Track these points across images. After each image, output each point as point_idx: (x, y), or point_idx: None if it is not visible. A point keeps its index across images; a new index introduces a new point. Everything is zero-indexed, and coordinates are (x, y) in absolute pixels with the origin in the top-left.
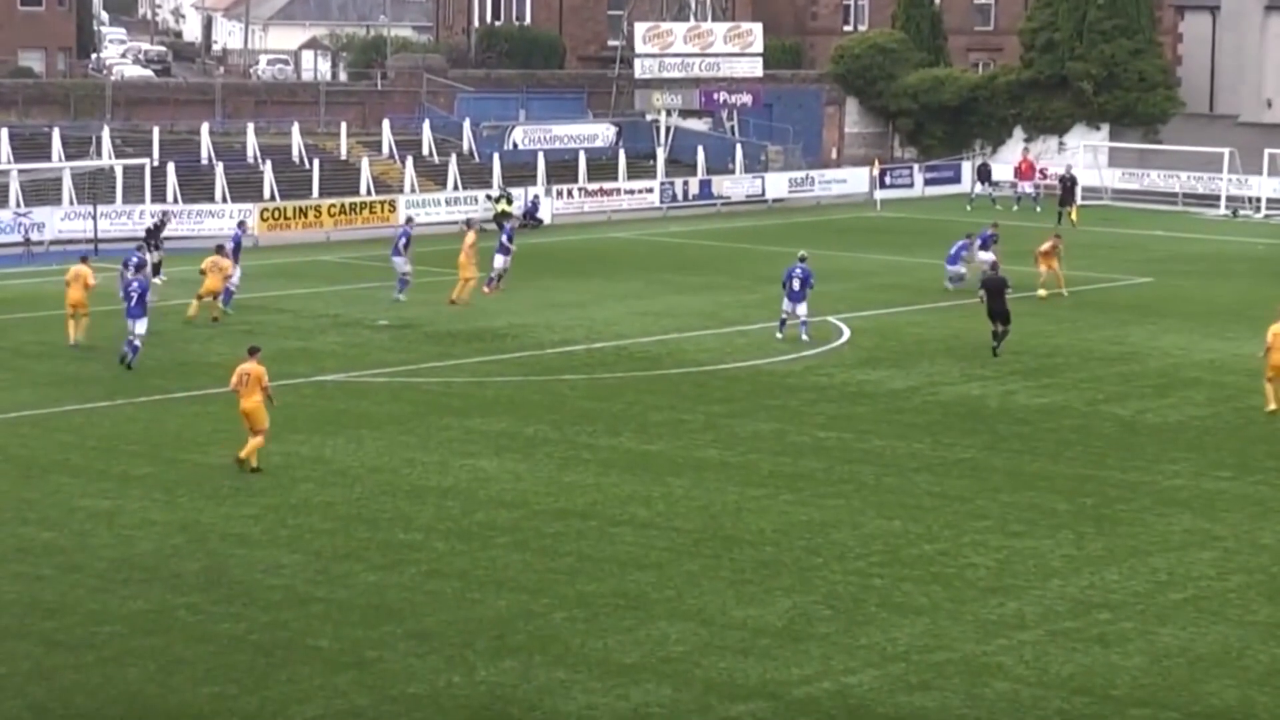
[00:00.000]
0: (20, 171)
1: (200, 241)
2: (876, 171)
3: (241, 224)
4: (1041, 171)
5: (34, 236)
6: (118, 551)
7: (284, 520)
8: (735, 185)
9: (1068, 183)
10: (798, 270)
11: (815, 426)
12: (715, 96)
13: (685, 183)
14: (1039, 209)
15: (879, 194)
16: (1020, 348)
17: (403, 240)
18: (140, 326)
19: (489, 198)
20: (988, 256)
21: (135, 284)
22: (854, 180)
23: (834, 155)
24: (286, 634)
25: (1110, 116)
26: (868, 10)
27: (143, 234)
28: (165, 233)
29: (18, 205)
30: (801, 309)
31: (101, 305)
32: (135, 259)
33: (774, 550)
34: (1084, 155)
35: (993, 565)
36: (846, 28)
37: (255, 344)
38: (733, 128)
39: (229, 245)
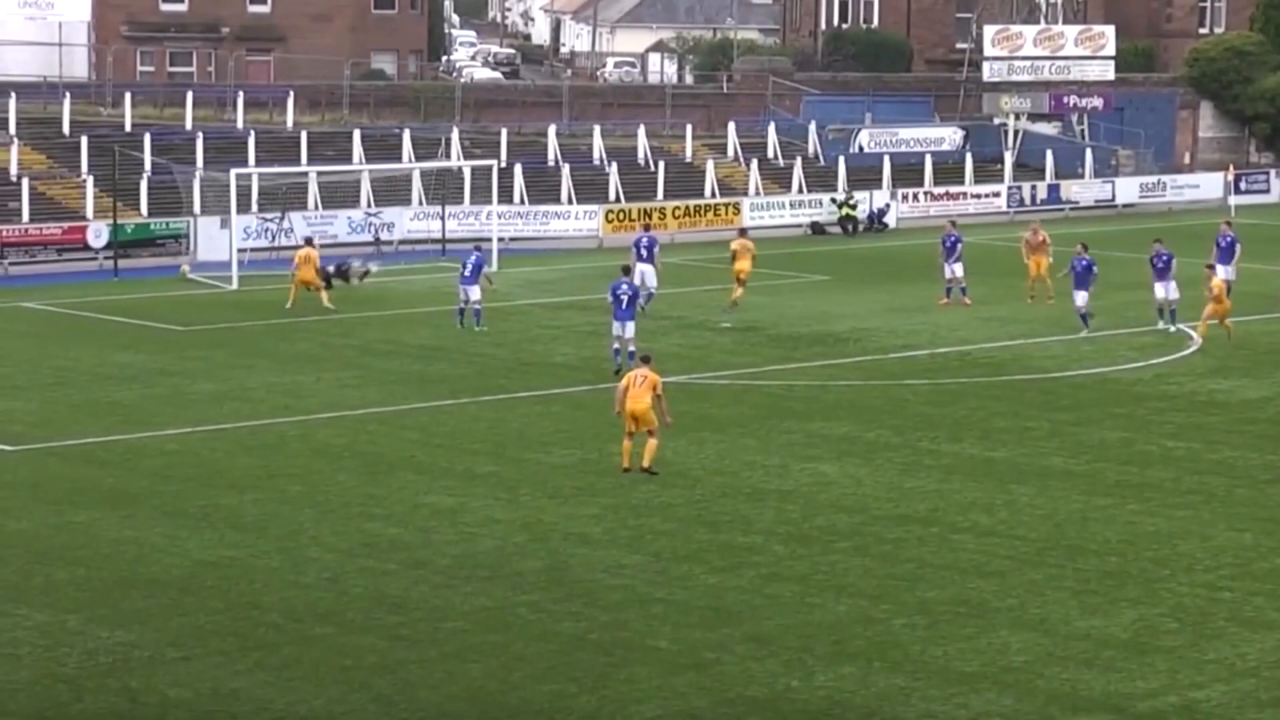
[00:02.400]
0: (371, 172)
1: (546, 243)
2: (1231, 177)
3: (478, 247)
4: None
5: (384, 236)
6: (461, 548)
7: (624, 521)
8: (1084, 190)
9: None
10: (1082, 261)
11: (1164, 436)
12: (1065, 100)
13: (1033, 187)
14: None
15: (1233, 199)
16: None
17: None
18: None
19: (834, 201)
20: None
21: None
22: (1207, 186)
23: (1187, 160)
24: (626, 634)
25: None
26: (1224, 12)
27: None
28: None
29: (369, 205)
30: (1080, 299)
31: (441, 305)
32: (475, 259)
33: (1119, 561)
34: None
35: None
36: (1202, 30)
37: (646, 353)
38: (1082, 131)
39: (469, 267)
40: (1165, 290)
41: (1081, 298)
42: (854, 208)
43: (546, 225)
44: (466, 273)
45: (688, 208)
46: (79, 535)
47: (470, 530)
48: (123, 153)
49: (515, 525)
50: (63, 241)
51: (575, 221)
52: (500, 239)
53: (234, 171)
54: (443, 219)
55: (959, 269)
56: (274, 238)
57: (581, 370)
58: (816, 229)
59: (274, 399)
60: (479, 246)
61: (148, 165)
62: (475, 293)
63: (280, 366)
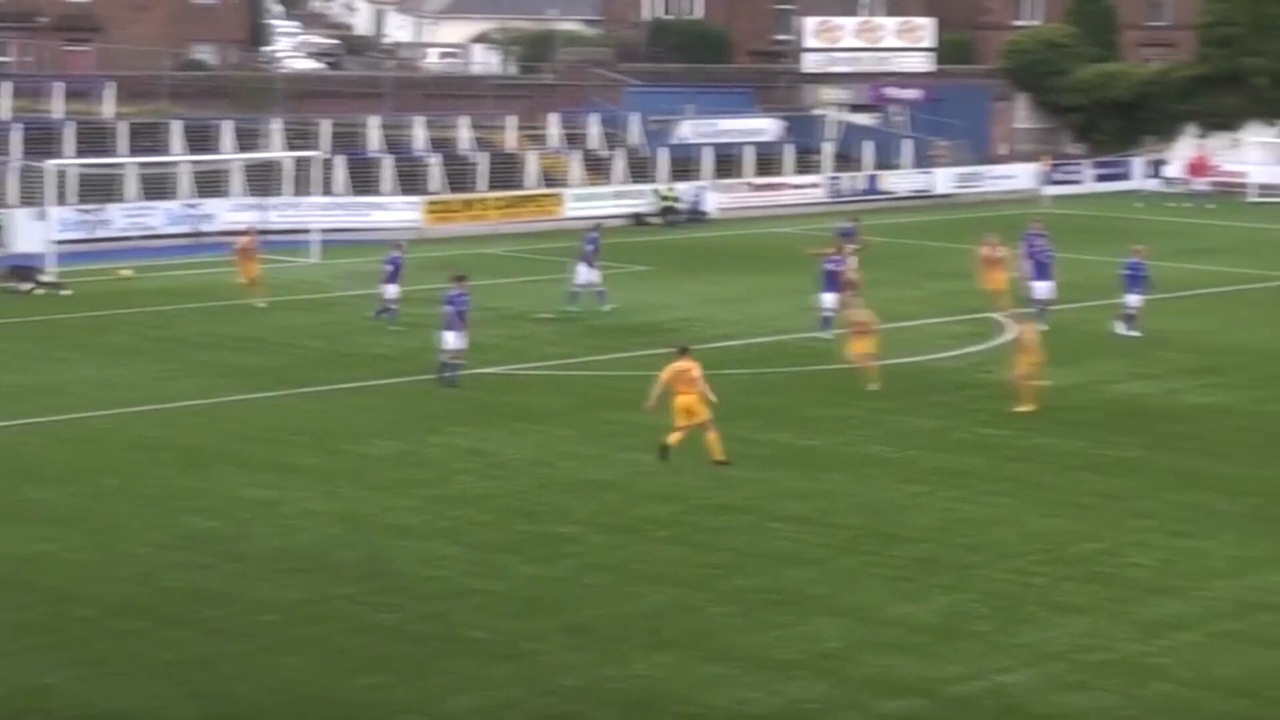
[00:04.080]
0: (191, 163)
1: (368, 235)
2: (1047, 167)
3: (398, 244)
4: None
5: (203, 228)
6: (279, 541)
7: (443, 512)
8: (902, 180)
9: None
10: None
11: (978, 423)
12: (884, 91)
13: (852, 178)
14: (1212, 206)
15: (1047, 189)
16: (1186, 346)
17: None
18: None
19: (655, 192)
20: None
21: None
22: (1022, 176)
23: (1003, 151)
24: (444, 625)
25: None
26: (1040, 5)
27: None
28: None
29: (188, 196)
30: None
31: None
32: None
33: (933, 547)
34: (1261, 152)
35: (1155, 565)
36: (1018, 22)
37: (683, 343)
38: (901, 123)
39: (387, 268)
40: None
41: (1044, 288)
42: (675, 199)
43: (368, 216)
44: (587, 249)
45: (510, 199)
46: None
47: (288, 522)
48: None
49: (333, 517)
50: None
51: (397, 213)
52: (321, 230)
53: (50, 163)
54: (264, 210)
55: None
56: (91, 229)
57: (401, 362)
58: (638, 219)
59: (90, 392)
60: (599, 225)
61: None
62: (591, 274)
63: (97, 359)
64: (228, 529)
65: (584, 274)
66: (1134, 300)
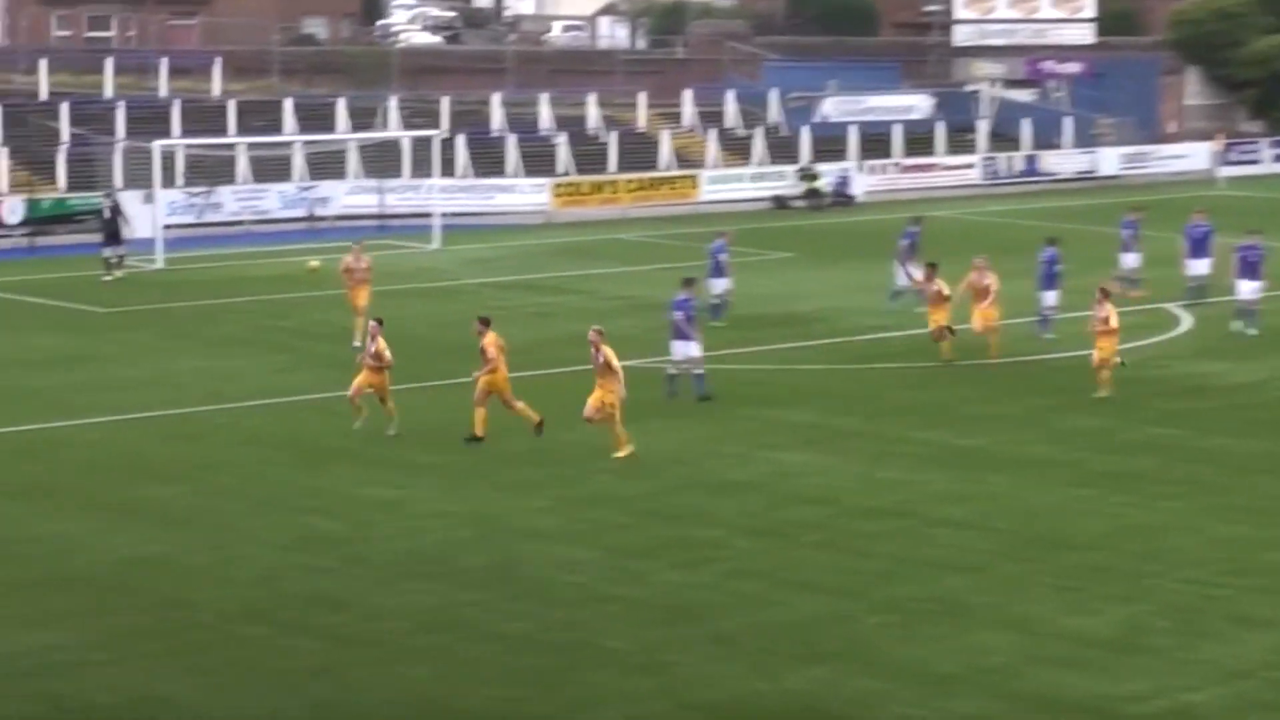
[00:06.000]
0: (304, 143)
1: (492, 219)
2: (1221, 146)
3: (722, 233)
4: None
5: (318, 211)
6: (403, 544)
7: (578, 514)
8: (1063, 161)
9: None
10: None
11: (1149, 422)
12: (1042, 65)
13: (1009, 158)
14: None
15: (1223, 171)
16: None
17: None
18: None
19: (797, 173)
20: None
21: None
22: (1195, 156)
23: (1172, 129)
24: (580, 634)
25: None
26: None
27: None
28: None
29: (302, 178)
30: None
31: (377, 284)
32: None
33: (1104, 555)
34: None
35: None
36: None
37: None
38: (1061, 99)
39: (718, 258)
40: (1201, 267)
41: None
42: (818, 180)
43: (491, 199)
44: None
45: (642, 181)
46: None
47: (413, 524)
48: (38, 123)
49: (461, 518)
50: None
51: (523, 195)
52: (442, 214)
53: (157, 143)
54: (381, 193)
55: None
56: (200, 213)
57: (530, 354)
58: (779, 203)
59: (202, 384)
60: (723, 234)
61: (65, 136)
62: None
63: (209, 350)
64: (349, 530)
65: (904, 276)
66: (1248, 292)
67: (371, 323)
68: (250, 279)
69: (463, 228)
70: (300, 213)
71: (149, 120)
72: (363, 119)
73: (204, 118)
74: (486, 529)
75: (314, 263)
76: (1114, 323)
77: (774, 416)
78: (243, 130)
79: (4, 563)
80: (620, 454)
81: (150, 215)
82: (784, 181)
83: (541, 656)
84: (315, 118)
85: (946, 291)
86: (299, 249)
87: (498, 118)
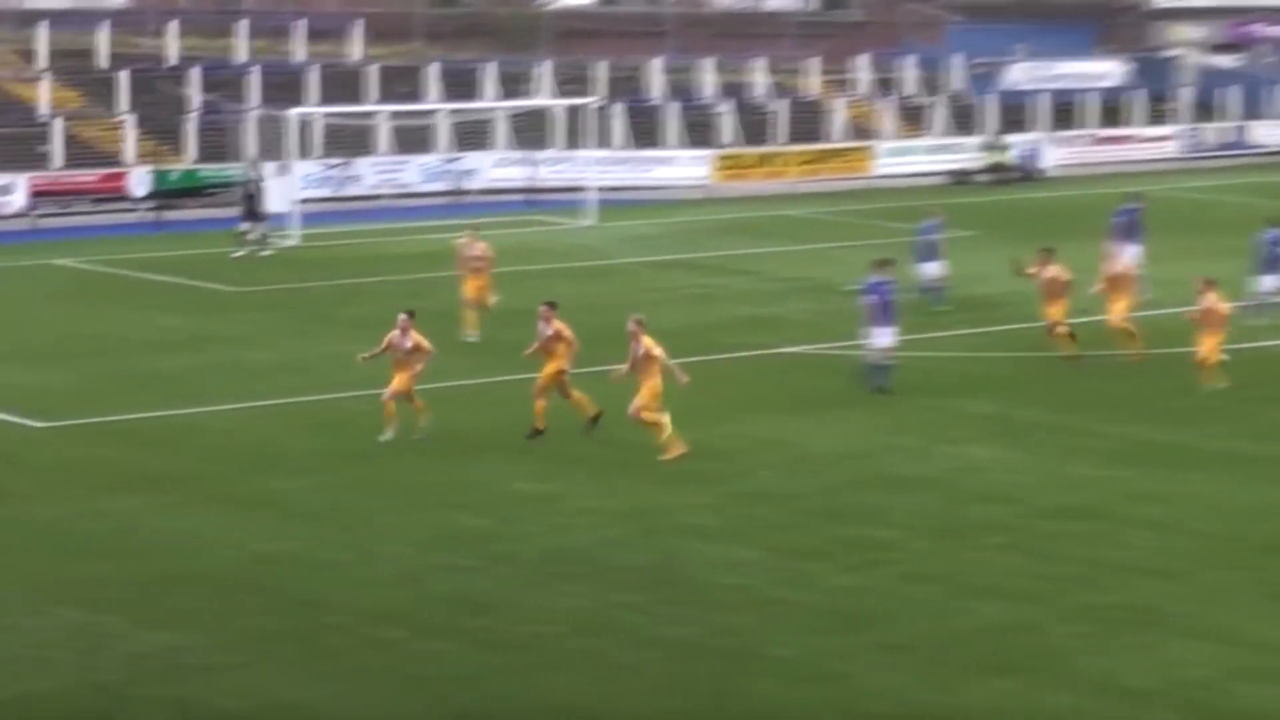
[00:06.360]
0: (450, 112)
1: (650, 194)
2: None
3: (932, 213)
4: None
5: (463, 185)
6: (554, 541)
7: (741, 511)
8: (1275, 132)
9: None
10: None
11: None
12: (1249, 28)
13: (1215, 129)
14: None
15: None
16: None
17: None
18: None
19: (981, 145)
20: None
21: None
22: None
23: None
24: (743, 641)
25: None
26: None
27: None
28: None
29: (446, 150)
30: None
31: (526, 263)
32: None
33: None
34: None
35: None
36: None
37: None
38: (1271, 66)
39: (926, 238)
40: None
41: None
42: (1003, 153)
43: (649, 172)
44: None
45: (812, 153)
46: (119, 524)
47: (565, 520)
48: (167, 89)
49: (615, 515)
50: (99, 190)
51: (682, 168)
52: (597, 188)
53: (293, 111)
54: (532, 165)
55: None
56: (338, 186)
57: (689, 339)
58: (960, 178)
59: (339, 370)
60: (934, 213)
61: (195, 103)
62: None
63: (345, 332)
64: (496, 527)
65: (1270, 282)
66: (1272, 283)
67: (402, 316)
68: (390, 257)
69: (618, 203)
70: (444, 186)
71: (284, 87)
72: (512, 86)
73: (343, 84)
74: (642, 526)
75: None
76: None
77: (953, 407)
78: (384, 98)
79: (128, 559)
80: (669, 455)
81: (285, 189)
82: (966, 154)
83: (702, 664)
84: (461, 84)
85: (1065, 278)
86: (442, 226)
87: (657, 85)
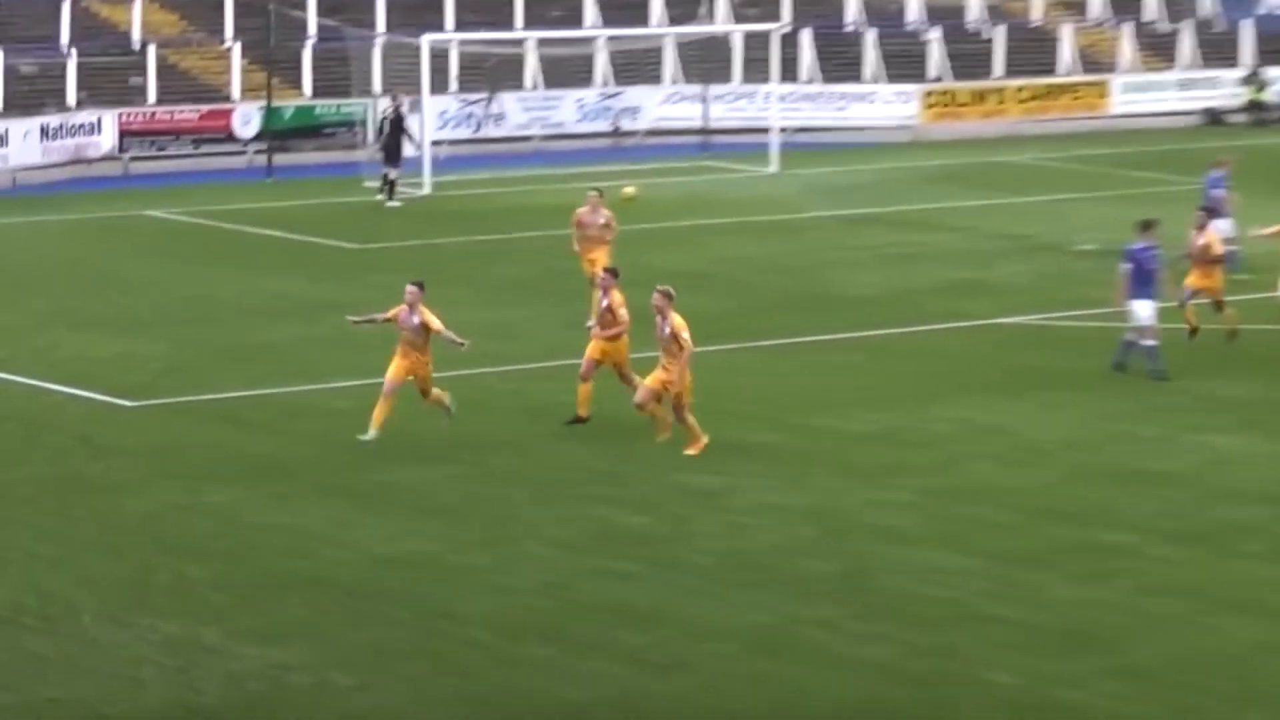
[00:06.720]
0: (609, 40)
1: (845, 136)
2: None
3: (1220, 162)
4: None
5: (625, 125)
6: (727, 544)
7: (948, 510)
8: None
9: None
10: None
11: None
12: None
13: None
14: None
15: None
16: None
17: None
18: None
19: (1239, 80)
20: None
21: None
22: None
23: None
24: (952, 663)
25: None
26: None
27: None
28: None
29: (605, 84)
30: None
31: (696, 217)
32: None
33: None
34: None
35: None
36: None
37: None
38: None
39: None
40: None
41: None
42: (1264, 89)
43: (844, 111)
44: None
45: (1037, 88)
46: (218, 519)
47: (740, 520)
48: (279, 12)
49: (800, 514)
50: (200, 130)
51: (883, 106)
52: (782, 129)
53: (426, 38)
54: (705, 102)
55: None
56: (479, 126)
57: (890, 306)
58: (1213, 117)
59: (477, 341)
60: (1222, 161)
61: (312, 29)
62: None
63: (485, 297)
64: (659, 527)
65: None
66: None
67: (411, 287)
68: (538, 209)
69: (807, 146)
70: (603, 126)
71: (415, 9)
72: (682, 10)
73: (485, 8)
74: (831, 527)
75: (629, 189)
76: None
77: (1203, 390)
78: (532, 23)
79: (230, 560)
80: (692, 450)
81: (416, 128)
82: (1220, 90)
83: (903, 690)
84: (623, 8)
85: (1219, 250)
86: (601, 173)
87: (853, 7)
